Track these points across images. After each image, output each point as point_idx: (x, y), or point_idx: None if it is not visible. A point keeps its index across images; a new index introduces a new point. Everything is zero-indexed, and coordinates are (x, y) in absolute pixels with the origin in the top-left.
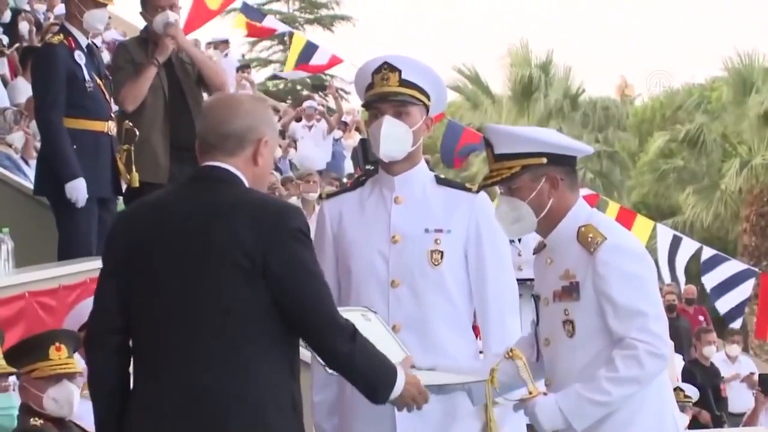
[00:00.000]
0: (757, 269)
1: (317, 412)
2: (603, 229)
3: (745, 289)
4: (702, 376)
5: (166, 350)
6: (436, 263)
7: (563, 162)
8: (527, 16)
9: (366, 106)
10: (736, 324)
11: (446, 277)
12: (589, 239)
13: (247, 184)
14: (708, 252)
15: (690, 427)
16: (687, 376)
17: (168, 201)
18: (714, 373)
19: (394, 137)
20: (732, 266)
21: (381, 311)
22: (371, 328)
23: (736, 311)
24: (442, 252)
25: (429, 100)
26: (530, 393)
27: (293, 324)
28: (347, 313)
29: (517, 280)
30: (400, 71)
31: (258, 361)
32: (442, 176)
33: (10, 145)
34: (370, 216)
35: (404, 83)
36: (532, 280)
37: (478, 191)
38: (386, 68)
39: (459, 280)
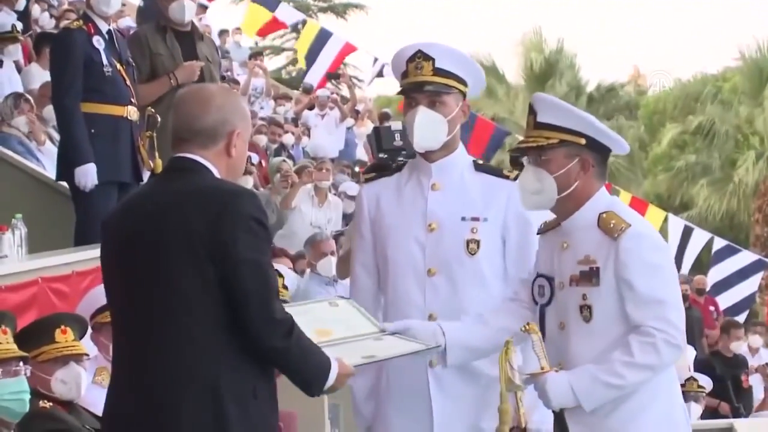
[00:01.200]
0: None
1: (355, 396)
2: (625, 216)
3: (753, 282)
4: (722, 367)
5: (126, 340)
6: (473, 252)
7: (599, 149)
8: (539, 5)
9: (401, 94)
10: (741, 317)
11: (483, 266)
12: (612, 225)
13: (217, 172)
14: (719, 243)
15: (708, 417)
16: (705, 366)
17: (140, 195)
18: (736, 364)
19: (429, 128)
20: (743, 257)
21: (417, 300)
22: (339, 311)
23: (742, 304)
24: (478, 241)
25: (466, 86)
26: (542, 368)
27: (234, 313)
28: (314, 304)
29: None
30: (434, 60)
31: (211, 349)
32: (481, 162)
33: (18, 130)
34: (408, 203)
35: (438, 72)
36: None
37: (516, 178)
38: (420, 57)
39: (496, 269)
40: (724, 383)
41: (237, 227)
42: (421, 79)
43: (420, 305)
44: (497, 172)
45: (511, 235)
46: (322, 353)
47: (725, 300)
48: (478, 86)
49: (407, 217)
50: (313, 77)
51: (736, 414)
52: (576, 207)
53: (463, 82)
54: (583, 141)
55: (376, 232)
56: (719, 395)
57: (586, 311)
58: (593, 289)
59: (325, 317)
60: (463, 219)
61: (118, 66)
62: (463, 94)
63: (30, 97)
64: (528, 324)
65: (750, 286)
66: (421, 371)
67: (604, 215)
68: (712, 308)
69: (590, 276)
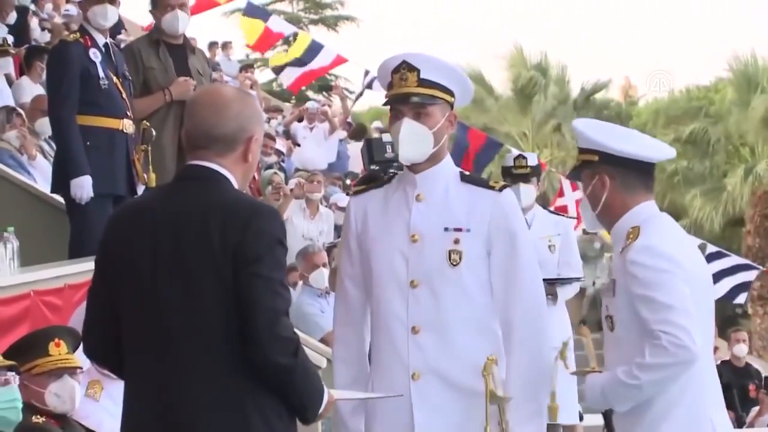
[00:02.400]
0: (761, 267)
1: (341, 411)
2: (645, 231)
3: (748, 276)
4: (729, 376)
5: (143, 356)
6: (455, 263)
7: (618, 163)
8: (530, 16)
9: (386, 105)
10: (740, 299)
11: (465, 278)
12: (628, 240)
13: (235, 181)
14: (711, 249)
15: None
16: None
17: (151, 203)
18: (746, 374)
19: (414, 140)
20: (734, 260)
21: (400, 313)
22: None
23: (738, 289)
24: (460, 252)
25: (452, 96)
26: (592, 368)
27: (241, 326)
28: None
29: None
30: (418, 70)
31: (234, 367)
32: (467, 173)
33: (9, 144)
34: (392, 214)
35: (423, 83)
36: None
37: (501, 189)
38: (405, 68)
39: (480, 281)
40: (730, 392)
41: (260, 246)
42: (406, 91)
43: (403, 318)
44: (483, 183)
45: (496, 248)
46: (320, 379)
47: (719, 289)
48: (466, 96)
49: (391, 228)
50: (288, 77)
51: (740, 423)
52: (613, 222)
53: (450, 92)
54: (595, 158)
55: (361, 244)
56: (725, 404)
57: (608, 321)
58: (612, 299)
59: None
60: (446, 230)
61: (115, 79)
62: (450, 105)
63: (22, 112)
64: (580, 325)
65: (744, 277)
66: (404, 383)
67: (630, 230)
68: None
69: (610, 288)
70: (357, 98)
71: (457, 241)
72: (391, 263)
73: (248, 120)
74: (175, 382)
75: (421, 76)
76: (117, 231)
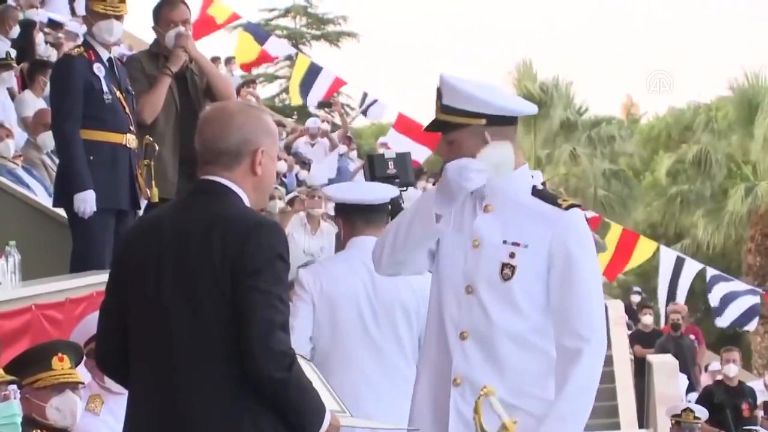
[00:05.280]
0: (760, 290)
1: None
2: None
3: (749, 301)
4: (721, 396)
5: (145, 366)
6: (506, 278)
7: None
8: (533, 35)
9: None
10: (751, 326)
11: (516, 294)
12: None
13: (245, 196)
14: (712, 272)
15: None
16: (705, 395)
17: (160, 217)
18: (739, 393)
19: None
20: (735, 286)
21: (453, 316)
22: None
23: (745, 317)
24: (514, 267)
25: (482, 118)
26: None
27: (238, 339)
28: None
29: None
30: (441, 96)
31: (232, 380)
32: (541, 187)
33: (5, 158)
34: (464, 218)
35: (445, 109)
36: None
37: (568, 208)
38: (437, 93)
39: (533, 299)
40: (723, 412)
41: (260, 260)
42: (434, 119)
43: (456, 321)
44: (551, 200)
45: (553, 268)
46: (319, 398)
47: (729, 315)
48: (511, 107)
49: (460, 231)
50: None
51: None
52: None
53: (480, 116)
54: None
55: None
56: (719, 424)
57: None
58: None
59: None
60: (504, 242)
61: (118, 93)
62: (491, 122)
63: (3, 122)
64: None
65: (749, 300)
66: (446, 387)
67: None
68: (692, 337)
69: None
70: (354, 118)
71: (512, 255)
72: (452, 265)
73: (252, 132)
74: (174, 393)
75: (444, 102)
76: (128, 246)
